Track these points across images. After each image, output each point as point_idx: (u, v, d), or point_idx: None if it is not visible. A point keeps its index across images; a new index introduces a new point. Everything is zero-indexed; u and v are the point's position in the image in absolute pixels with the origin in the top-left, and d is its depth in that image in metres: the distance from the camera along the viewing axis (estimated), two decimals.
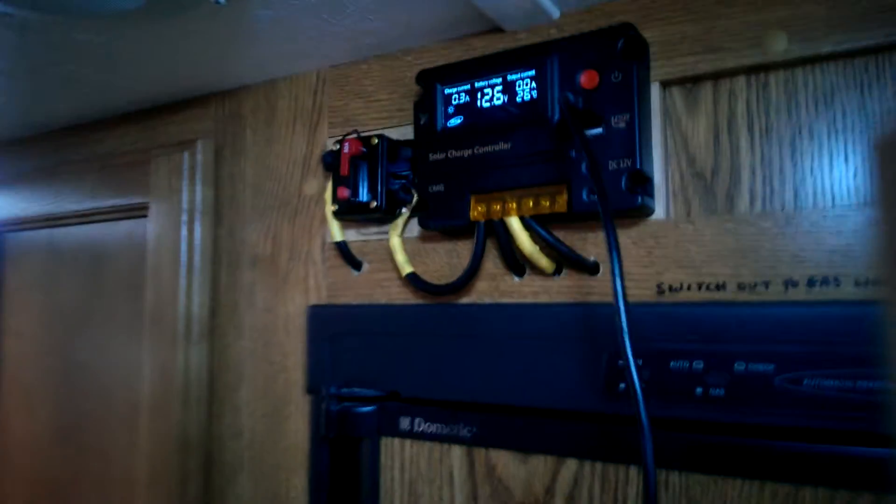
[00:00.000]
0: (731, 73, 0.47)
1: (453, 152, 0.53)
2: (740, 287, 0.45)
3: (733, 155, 0.47)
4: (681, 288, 0.47)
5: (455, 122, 0.54)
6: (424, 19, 0.55)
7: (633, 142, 0.46)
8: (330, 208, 0.60)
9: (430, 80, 0.55)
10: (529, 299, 0.53)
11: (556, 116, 0.49)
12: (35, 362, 0.88)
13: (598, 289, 0.50)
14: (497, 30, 0.56)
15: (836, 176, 0.44)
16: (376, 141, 0.57)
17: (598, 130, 0.48)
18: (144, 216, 0.74)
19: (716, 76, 0.48)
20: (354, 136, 0.58)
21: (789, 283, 0.44)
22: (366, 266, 0.61)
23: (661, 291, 0.48)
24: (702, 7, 0.48)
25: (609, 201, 0.46)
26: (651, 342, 0.47)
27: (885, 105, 0.43)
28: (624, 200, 0.46)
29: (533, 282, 0.53)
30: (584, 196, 0.47)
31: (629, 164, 0.46)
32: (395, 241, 0.57)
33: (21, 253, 0.92)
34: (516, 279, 0.54)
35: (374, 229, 0.61)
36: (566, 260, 0.51)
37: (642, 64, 0.48)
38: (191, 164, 0.70)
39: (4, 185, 0.91)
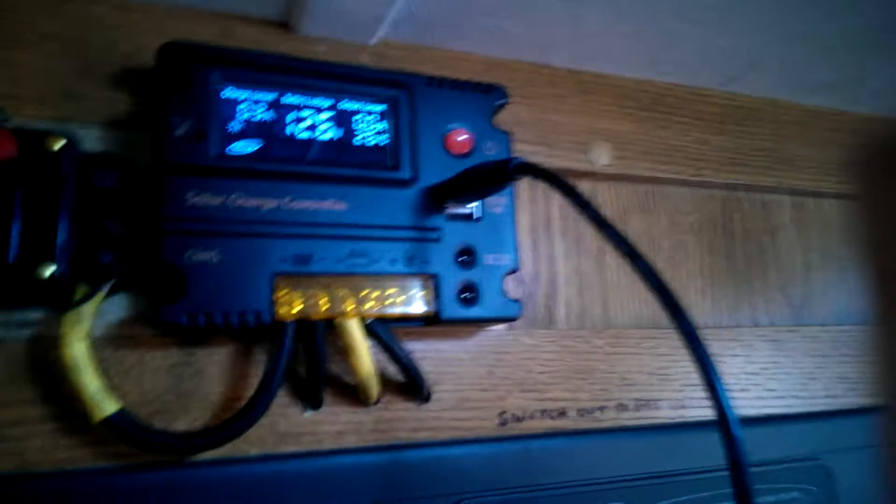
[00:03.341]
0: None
1: (242, 198, 0.31)
2: (580, 413, 0.40)
3: (550, 262, 0.43)
4: (524, 417, 0.39)
5: (247, 147, 0.31)
6: None
7: (512, 234, 0.36)
8: None
9: (196, 66, 0.31)
10: (329, 444, 0.34)
11: (420, 179, 0.34)
12: None
13: (429, 422, 0.36)
14: (281, 24, 0.37)
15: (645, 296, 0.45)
16: (58, 144, 0.28)
17: (467, 210, 0.35)
18: None
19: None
20: None
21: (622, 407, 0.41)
22: None
23: (503, 423, 0.38)
24: (534, 93, 0.43)
25: (486, 307, 0.35)
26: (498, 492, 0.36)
27: (660, 229, 0.47)
28: (505, 307, 0.35)
29: (337, 415, 0.34)
30: (458, 298, 0.34)
31: (508, 261, 0.36)
32: (80, 350, 0.28)
33: None
34: (309, 413, 0.34)
35: None
36: (406, 385, 0.35)
37: None
38: None
39: None
